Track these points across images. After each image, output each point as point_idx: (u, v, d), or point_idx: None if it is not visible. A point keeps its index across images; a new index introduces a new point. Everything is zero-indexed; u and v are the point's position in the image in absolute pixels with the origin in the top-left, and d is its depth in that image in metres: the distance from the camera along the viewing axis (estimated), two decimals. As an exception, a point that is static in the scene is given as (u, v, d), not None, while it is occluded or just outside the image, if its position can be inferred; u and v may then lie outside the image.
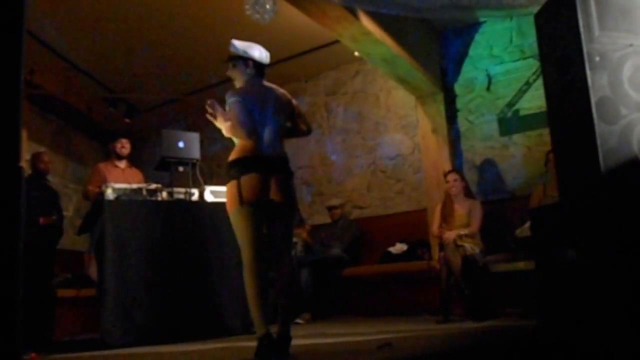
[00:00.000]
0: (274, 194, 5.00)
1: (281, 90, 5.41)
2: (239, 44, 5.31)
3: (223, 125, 5.09)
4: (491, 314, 7.56)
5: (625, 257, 4.14)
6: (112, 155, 9.25)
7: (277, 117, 5.23)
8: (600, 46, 4.57)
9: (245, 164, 4.95)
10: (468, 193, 8.68)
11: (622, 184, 4.32)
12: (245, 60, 5.28)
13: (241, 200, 4.86)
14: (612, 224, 4.23)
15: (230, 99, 5.08)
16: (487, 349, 4.91)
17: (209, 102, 5.18)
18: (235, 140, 5.11)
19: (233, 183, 4.92)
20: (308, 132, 5.65)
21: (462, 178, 8.72)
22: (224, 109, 5.13)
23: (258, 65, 5.33)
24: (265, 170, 4.98)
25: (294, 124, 5.50)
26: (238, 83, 5.36)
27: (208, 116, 5.18)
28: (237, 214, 4.92)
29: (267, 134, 5.11)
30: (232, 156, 5.03)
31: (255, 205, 4.90)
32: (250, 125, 5.01)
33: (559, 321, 4.90)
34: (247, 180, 4.88)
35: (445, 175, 8.81)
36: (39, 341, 7.45)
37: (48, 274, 8.56)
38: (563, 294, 4.81)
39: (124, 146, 9.13)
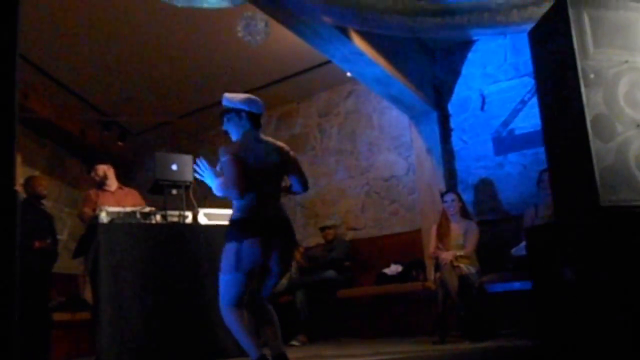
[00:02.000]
0: (274, 260, 4.96)
1: (279, 143, 5.29)
2: (230, 97, 5.22)
3: (214, 183, 5.03)
4: (488, 334, 7.51)
5: (621, 276, 4.10)
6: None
7: (278, 174, 5.18)
8: (595, 63, 4.54)
9: (248, 226, 4.85)
10: (464, 213, 8.63)
11: (618, 202, 4.28)
12: (238, 112, 5.15)
13: (237, 267, 4.77)
14: (609, 243, 4.19)
15: (224, 157, 4.94)
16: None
17: (197, 160, 5.14)
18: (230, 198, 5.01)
19: (233, 245, 4.81)
20: (304, 189, 5.51)
21: (460, 198, 8.68)
22: (214, 166, 5.09)
23: (252, 116, 5.17)
24: (269, 234, 4.89)
25: (291, 179, 5.37)
26: (234, 136, 5.23)
27: (196, 175, 5.15)
28: (231, 279, 4.83)
29: (268, 192, 5.03)
30: (236, 215, 4.94)
31: (251, 273, 4.85)
32: (244, 184, 4.86)
33: (556, 340, 4.84)
34: (249, 245, 4.77)
35: (442, 195, 8.78)
36: (35, 364, 7.43)
37: (43, 297, 8.53)
38: (560, 313, 4.76)
39: (96, 174, 9.06)
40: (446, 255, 7.93)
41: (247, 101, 5.18)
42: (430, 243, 8.72)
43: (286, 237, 5.04)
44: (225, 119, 5.23)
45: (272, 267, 5.00)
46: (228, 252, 4.82)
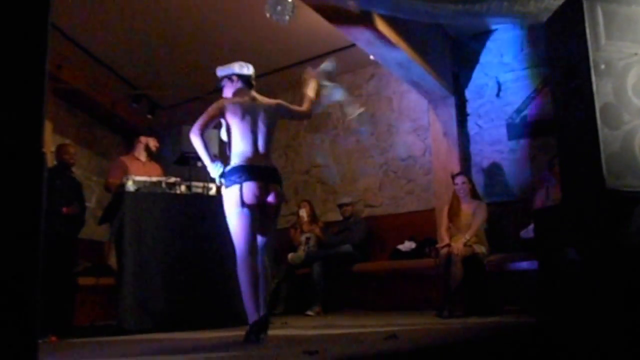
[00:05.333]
0: (269, 198, 5.30)
1: (267, 100, 5.67)
2: (221, 68, 5.72)
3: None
4: (494, 310, 7.58)
5: (623, 257, 4.17)
6: (135, 148, 9.22)
7: (268, 129, 5.50)
8: (606, 54, 4.61)
9: (247, 171, 5.22)
10: (475, 195, 8.68)
11: (623, 187, 4.36)
12: (229, 77, 5.65)
13: (242, 202, 5.13)
14: (612, 226, 4.26)
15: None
16: (487, 342, 4.93)
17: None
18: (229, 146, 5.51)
19: (235, 187, 5.18)
20: (308, 115, 6.05)
21: (470, 180, 8.74)
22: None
23: (242, 77, 5.63)
24: (264, 180, 5.26)
25: (292, 114, 6.00)
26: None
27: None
28: (237, 215, 5.19)
29: (259, 144, 5.42)
30: (234, 162, 5.35)
31: (253, 208, 5.19)
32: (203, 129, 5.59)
33: (559, 316, 4.93)
34: (248, 186, 5.16)
35: (453, 177, 8.83)
36: (59, 326, 7.44)
37: (69, 261, 8.55)
38: (563, 291, 4.84)
39: (156, 145, 9.19)
40: (457, 251, 7.93)
41: (234, 65, 5.67)
42: (441, 224, 8.80)
43: (278, 185, 5.43)
44: (221, 87, 5.75)
45: (267, 210, 5.39)
46: (230, 193, 5.22)
